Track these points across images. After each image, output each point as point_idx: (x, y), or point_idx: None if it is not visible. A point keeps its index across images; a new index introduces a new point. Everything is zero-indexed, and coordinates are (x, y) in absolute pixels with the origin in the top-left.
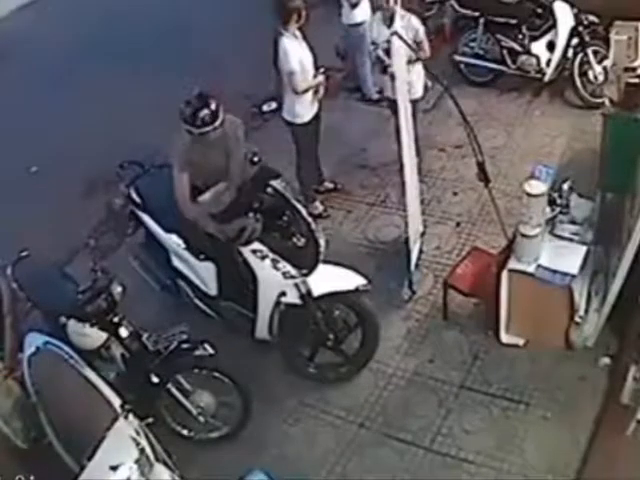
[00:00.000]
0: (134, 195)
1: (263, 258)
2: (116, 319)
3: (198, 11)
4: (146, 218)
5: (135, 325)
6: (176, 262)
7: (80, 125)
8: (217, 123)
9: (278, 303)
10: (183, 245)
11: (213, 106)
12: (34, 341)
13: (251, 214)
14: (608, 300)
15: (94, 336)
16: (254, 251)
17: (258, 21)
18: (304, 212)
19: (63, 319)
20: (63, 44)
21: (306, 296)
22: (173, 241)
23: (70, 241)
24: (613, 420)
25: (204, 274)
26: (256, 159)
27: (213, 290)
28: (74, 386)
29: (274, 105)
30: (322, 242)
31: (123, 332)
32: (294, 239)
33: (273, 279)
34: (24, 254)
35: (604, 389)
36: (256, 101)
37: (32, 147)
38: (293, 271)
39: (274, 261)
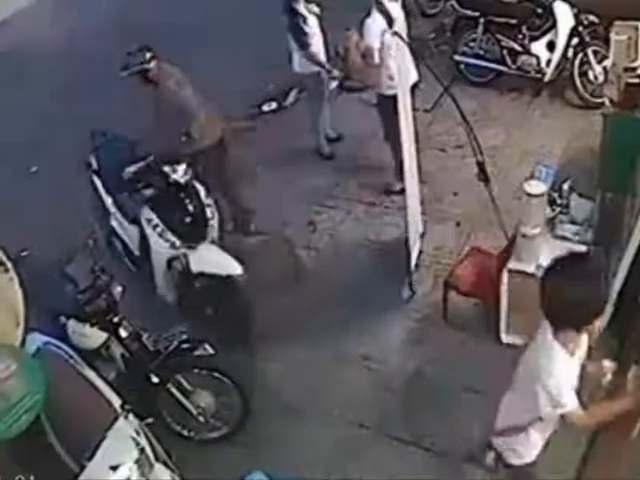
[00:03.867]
0: (93, 161)
1: (154, 227)
2: (116, 319)
3: (200, 9)
4: (97, 182)
5: (135, 325)
6: (113, 222)
7: (81, 125)
8: (135, 69)
9: (170, 267)
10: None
11: (135, 53)
12: (34, 341)
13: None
14: (608, 300)
15: (94, 336)
16: (148, 220)
17: (259, 19)
18: (202, 193)
19: (63, 319)
20: (65, 43)
21: (186, 269)
22: (110, 203)
23: (70, 241)
24: (613, 420)
25: (131, 235)
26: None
27: (137, 251)
28: (74, 386)
29: (274, 105)
30: (212, 223)
31: (123, 332)
32: (187, 214)
33: (160, 247)
34: (24, 254)
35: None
36: (256, 101)
37: (32, 147)
38: (178, 243)
39: (163, 231)
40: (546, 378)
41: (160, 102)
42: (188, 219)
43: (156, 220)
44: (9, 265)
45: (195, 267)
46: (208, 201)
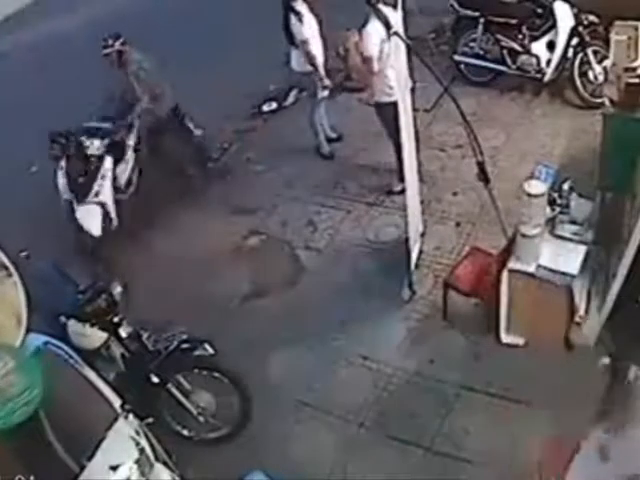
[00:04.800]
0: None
1: (62, 175)
2: (116, 319)
3: (200, 9)
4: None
5: (135, 325)
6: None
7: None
8: (107, 51)
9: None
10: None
11: (112, 41)
12: (34, 341)
13: None
14: (608, 300)
15: (94, 336)
16: (61, 167)
17: (260, 19)
18: (105, 167)
19: (63, 319)
20: (64, 43)
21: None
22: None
23: (70, 241)
24: (613, 420)
25: None
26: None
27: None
28: (74, 386)
29: (274, 105)
30: (99, 189)
31: (123, 332)
32: (82, 176)
33: (61, 188)
34: (24, 254)
35: (604, 389)
36: (256, 101)
37: (32, 147)
38: (68, 192)
39: (64, 180)
40: None
41: (123, 81)
42: (81, 180)
43: (64, 171)
44: (12, 270)
45: (77, 216)
46: (107, 174)
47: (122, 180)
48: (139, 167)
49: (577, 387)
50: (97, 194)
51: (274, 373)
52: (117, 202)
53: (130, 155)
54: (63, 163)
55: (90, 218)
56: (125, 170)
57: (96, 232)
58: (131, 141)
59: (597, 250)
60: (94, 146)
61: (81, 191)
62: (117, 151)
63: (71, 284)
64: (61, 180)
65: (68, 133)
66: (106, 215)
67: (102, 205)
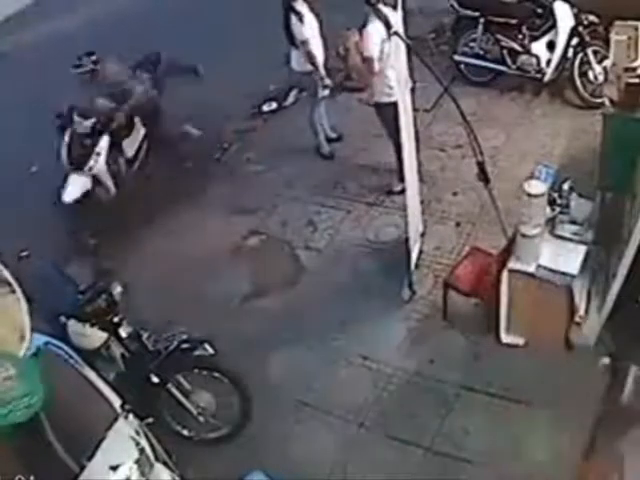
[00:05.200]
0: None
1: (64, 147)
2: (116, 319)
3: (200, 9)
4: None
5: (135, 325)
6: None
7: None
8: (79, 70)
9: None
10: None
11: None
12: (34, 341)
13: None
14: (608, 300)
15: (94, 336)
16: (63, 142)
17: (260, 19)
18: (101, 145)
19: (63, 319)
20: (64, 42)
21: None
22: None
23: (70, 241)
24: (613, 420)
25: None
26: None
27: None
28: (74, 386)
29: (274, 105)
30: (94, 164)
31: (123, 332)
32: (77, 150)
33: (63, 159)
34: (24, 254)
35: (604, 389)
36: (256, 101)
37: (32, 147)
38: (67, 163)
39: (64, 152)
40: None
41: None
42: (75, 154)
43: (66, 144)
44: (15, 286)
45: (68, 182)
46: (102, 151)
47: (129, 153)
48: (147, 143)
49: (577, 387)
50: (91, 169)
51: (274, 373)
52: (122, 177)
53: (137, 130)
54: (66, 137)
55: (73, 185)
56: (133, 143)
57: (67, 199)
58: (138, 118)
59: (597, 250)
60: (82, 125)
61: (77, 163)
62: (120, 130)
63: (71, 284)
64: (63, 151)
65: (71, 108)
66: (99, 184)
67: (95, 177)
